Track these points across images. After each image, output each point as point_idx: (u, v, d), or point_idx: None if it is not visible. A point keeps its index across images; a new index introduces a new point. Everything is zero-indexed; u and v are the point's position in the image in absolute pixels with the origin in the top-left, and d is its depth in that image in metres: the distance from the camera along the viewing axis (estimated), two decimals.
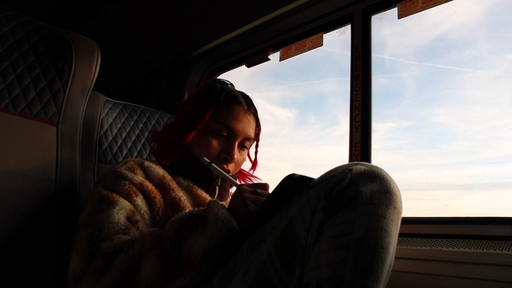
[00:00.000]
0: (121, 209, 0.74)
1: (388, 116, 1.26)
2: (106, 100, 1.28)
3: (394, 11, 1.25)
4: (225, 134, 0.92)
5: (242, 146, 0.96)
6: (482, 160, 1.13)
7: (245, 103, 0.96)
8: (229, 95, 0.95)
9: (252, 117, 0.96)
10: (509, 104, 1.10)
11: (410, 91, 1.38)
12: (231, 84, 1.03)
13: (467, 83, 1.22)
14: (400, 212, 0.55)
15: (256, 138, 1.02)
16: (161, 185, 0.84)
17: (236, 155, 0.92)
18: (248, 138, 0.95)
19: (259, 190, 0.71)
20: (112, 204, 0.75)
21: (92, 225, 0.72)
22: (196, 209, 0.71)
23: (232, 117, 0.92)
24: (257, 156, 1.07)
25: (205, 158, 0.88)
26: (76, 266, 0.69)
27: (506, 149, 1.08)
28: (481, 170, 1.12)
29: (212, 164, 0.87)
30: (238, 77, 1.79)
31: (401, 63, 1.38)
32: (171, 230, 0.66)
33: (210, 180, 0.91)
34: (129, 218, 0.75)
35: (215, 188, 0.92)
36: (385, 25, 1.29)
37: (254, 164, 1.07)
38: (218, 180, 0.92)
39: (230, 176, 0.91)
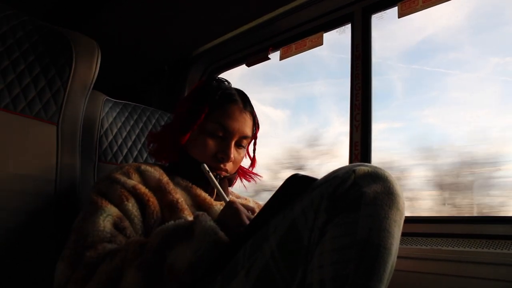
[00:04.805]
0: (108, 216, 0.74)
1: (379, 117, 1.27)
2: (106, 99, 1.27)
3: (394, 10, 1.25)
4: (221, 134, 0.91)
5: (239, 145, 0.95)
6: (477, 159, 1.14)
7: (241, 101, 0.94)
8: (225, 94, 0.94)
9: (248, 115, 0.95)
10: (496, 105, 1.12)
11: (399, 93, 1.40)
12: (227, 82, 1.01)
13: (455, 85, 1.24)
14: (402, 213, 0.56)
15: (254, 135, 1.02)
16: (158, 188, 0.83)
17: (233, 154, 0.91)
18: (245, 137, 0.94)
19: (248, 210, 0.73)
20: (99, 210, 0.75)
21: (79, 232, 0.73)
22: (183, 220, 0.71)
23: (227, 116, 0.91)
24: (255, 153, 1.06)
25: (205, 166, 0.88)
26: (60, 274, 0.69)
27: (497, 149, 1.09)
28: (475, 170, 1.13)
29: (210, 173, 0.87)
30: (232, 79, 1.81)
31: (389, 66, 1.40)
32: (155, 240, 0.65)
33: (207, 181, 0.90)
34: (116, 225, 0.74)
35: (214, 189, 0.92)
36: (372, 29, 1.30)
37: (253, 161, 1.06)
38: (217, 181, 0.91)
39: (227, 177, 0.93)
